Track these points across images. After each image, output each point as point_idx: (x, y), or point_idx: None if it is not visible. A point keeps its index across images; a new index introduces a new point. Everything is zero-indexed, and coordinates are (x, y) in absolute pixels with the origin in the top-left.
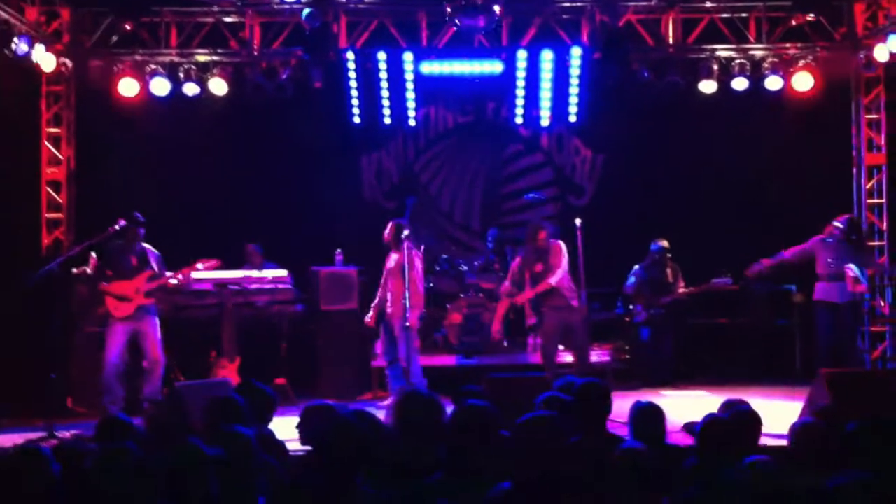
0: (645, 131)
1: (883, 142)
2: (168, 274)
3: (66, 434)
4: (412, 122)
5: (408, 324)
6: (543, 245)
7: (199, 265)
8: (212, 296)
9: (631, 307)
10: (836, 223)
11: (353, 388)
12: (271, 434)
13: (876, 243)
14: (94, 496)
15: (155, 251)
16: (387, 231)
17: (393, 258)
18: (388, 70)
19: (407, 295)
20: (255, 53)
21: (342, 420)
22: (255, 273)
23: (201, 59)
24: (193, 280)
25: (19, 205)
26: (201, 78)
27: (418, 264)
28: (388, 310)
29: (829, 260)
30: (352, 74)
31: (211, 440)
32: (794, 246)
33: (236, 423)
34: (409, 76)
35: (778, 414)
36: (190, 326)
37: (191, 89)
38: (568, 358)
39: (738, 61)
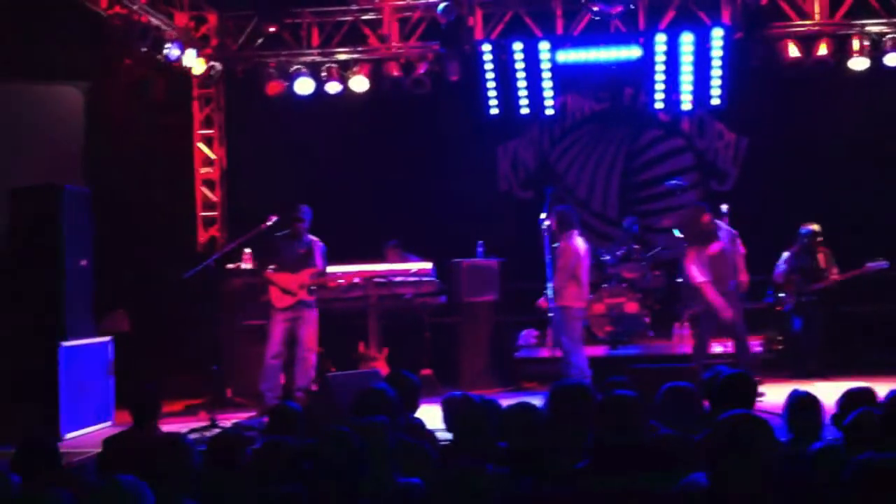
0: (792, 112)
1: None
2: (330, 273)
3: (226, 423)
4: (549, 111)
5: (569, 311)
6: (709, 227)
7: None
8: (358, 288)
9: (781, 295)
10: None
11: (495, 379)
12: (420, 422)
13: None
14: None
15: (321, 244)
16: (550, 220)
17: (559, 246)
18: (524, 60)
19: (567, 283)
20: (394, 50)
21: (474, 409)
22: (399, 266)
23: (342, 57)
24: (340, 273)
25: (175, 205)
26: (342, 76)
27: (576, 251)
28: (554, 298)
29: None
30: (488, 66)
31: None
32: None
33: (385, 412)
34: (546, 65)
35: None
36: (337, 318)
37: (333, 87)
38: (718, 348)
39: (889, 36)
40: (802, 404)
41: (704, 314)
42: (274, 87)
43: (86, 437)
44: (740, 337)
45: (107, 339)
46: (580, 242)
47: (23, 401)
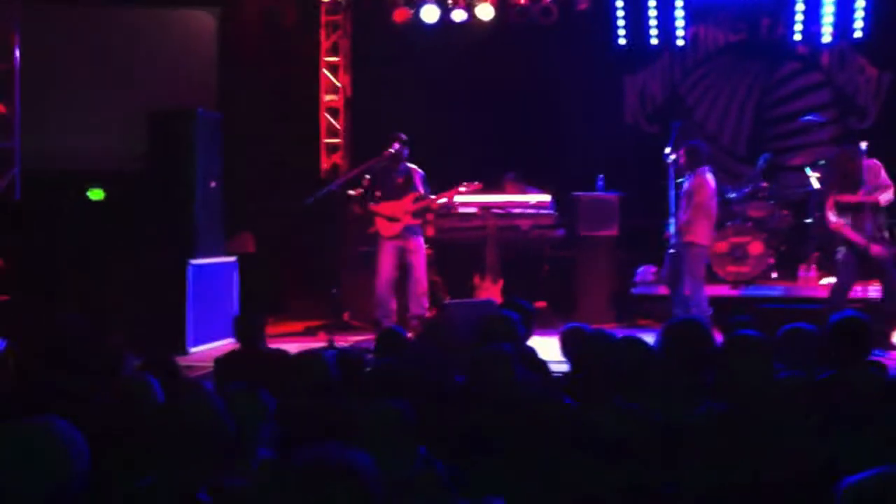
0: None
1: None
2: (433, 197)
3: (344, 344)
4: (680, 42)
5: (694, 247)
6: (854, 174)
7: (462, 187)
8: (476, 219)
9: None
10: None
11: (611, 314)
12: (533, 351)
13: None
14: (369, 398)
15: (419, 170)
16: (679, 155)
17: (693, 181)
18: None
19: (699, 219)
20: None
21: (599, 340)
22: (518, 197)
23: None
24: (458, 203)
25: (300, 131)
26: (469, 4)
27: (710, 188)
28: (680, 234)
29: None
30: None
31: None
32: None
33: (506, 339)
34: None
35: None
36: (454, 248)
37: (458, 15)
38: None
39: None
40: None
41: (843, 258)
42: (400, 15)
43: (211, 351)
44: (886, 279)
45: (233, 258)
46: (711, 178)
47: (153, 314)
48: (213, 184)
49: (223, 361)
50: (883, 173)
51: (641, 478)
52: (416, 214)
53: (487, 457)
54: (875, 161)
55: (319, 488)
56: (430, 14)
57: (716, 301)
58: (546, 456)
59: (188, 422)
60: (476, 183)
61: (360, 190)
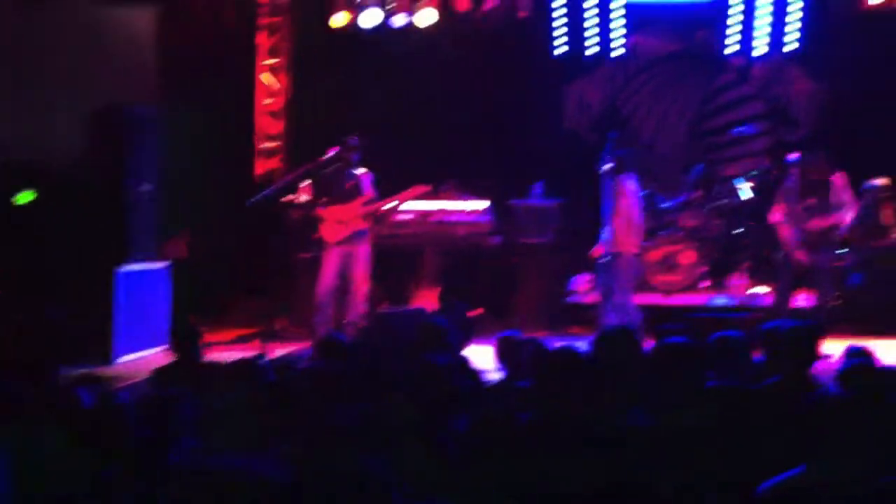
0: (874, 59)
1: None
2: (384, 200)
3: (278, 353)
4: (618, 52)
5: (622, 257)
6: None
7: (414, 190)
8: (413, 226)
9: (843, 250)
10: None
11: (545, 322)
12: (466, 359)
13: None
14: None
15: (369, 173)
16: (609, 164)
17: (616, 190)
18: None
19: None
20: None
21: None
22: (455, 204)
23: None
24: (398, 209)
25: (238, 134)
26: (410, 9)
27: (632, 195)
28: (609, 243)
29: None
30: (557, 2)
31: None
32: None
33: (439, 347)
34: (617, 3)
35: None
36: (391, 255)
37: (399, 20)
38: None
39: None
40: (858, 358)
41: (783, 261)
42: (340, 19)
43: (140, 360)
44: (818, 287)
45: (166, 264)
46: (633, 185)
47: (79, 323)
48: (146, 186)
49: (159, 373)
50: (843, 193)
51: (573, 483)
52: (365, 218)
53: (427, 459)
54: (840, 176)
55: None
56: (370, 19)
57: (648, 310)
58: (489, 457)
59: None
60: (427, 185)
61: (301, 195)
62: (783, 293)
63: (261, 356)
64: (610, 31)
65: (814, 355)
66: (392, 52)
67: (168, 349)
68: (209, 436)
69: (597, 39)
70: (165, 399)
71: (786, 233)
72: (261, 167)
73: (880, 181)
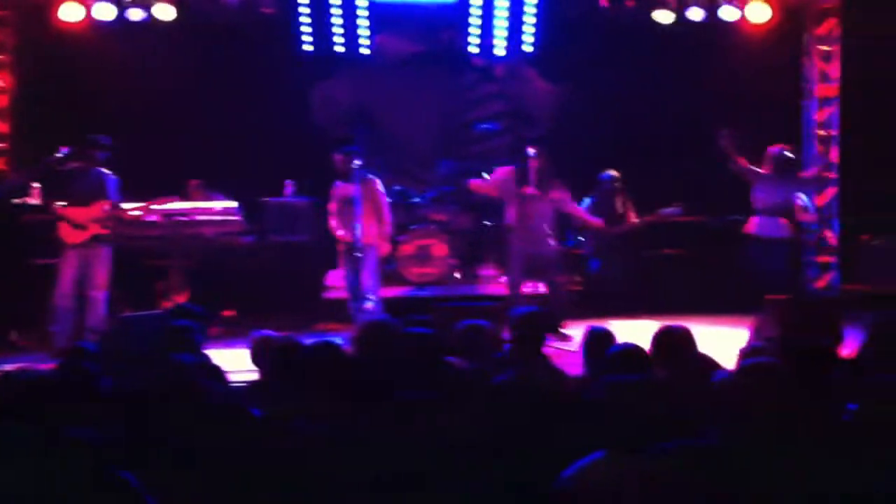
0: (602, 62)
1: (835, 74)
2: (128, 206)
3: (11, 367)
4: (364, 51)
5: (371, 250)
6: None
7: (159, 202)
8: (159, 227)
9: (581, 238)
10: (775, 154)
11: (303, 320)
12: (208, 358)
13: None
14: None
15: (113, 176)
16: (337, 161)
17: (345, 188)
18: None
19: (370, 222)
20: None
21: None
22: (203, 204)
23: None
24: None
25: None
26: (147, 2)
27: (380, 193)
28: (354, 241)
29: (764, 193)
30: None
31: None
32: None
33: (185, 349)
34: (362, 2)
35: (724, 341)
36: (137, 258)
37: (136, 14)
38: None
39: None
40: (598, 339)
41: (514, 255)
42: (70, 11)
43: None
44: (551, 278)
45: None
46: (379, 184)
47: None
48: None
49: None
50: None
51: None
52: (105, 223)
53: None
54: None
55: None
56: (104, 12)
57: (398, 302)
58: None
59: None
60: (173, 196)
61: (35, 196)
62: (514, 282)
63: None
64: (356, 29)
65: (544, 338)
66: (131, 47)
67: None
68: None
69: (342, 39)
70: None
71: (514, 220)
72: None
73: (613, 172)
